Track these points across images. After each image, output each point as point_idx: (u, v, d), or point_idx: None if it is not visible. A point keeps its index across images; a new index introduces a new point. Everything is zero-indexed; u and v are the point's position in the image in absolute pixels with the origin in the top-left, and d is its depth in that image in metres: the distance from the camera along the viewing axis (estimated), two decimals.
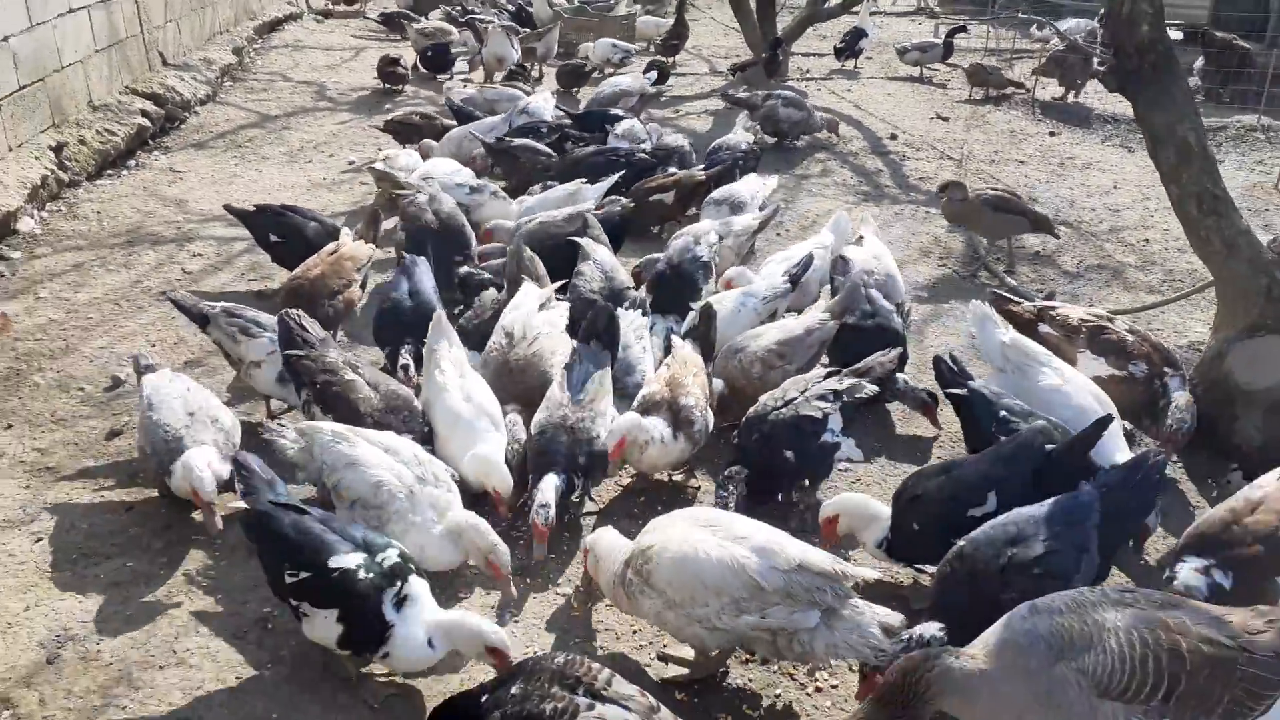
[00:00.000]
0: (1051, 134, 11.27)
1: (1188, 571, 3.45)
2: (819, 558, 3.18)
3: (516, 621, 3.69)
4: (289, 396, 4.65)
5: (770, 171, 9.35)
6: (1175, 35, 15.11)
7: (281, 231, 6.09)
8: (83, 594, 3.72)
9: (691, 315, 4.96)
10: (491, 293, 5.46)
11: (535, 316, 4.85)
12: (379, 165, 7.39)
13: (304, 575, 3.14)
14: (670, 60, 14.06)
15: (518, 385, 4.64)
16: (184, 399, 4.15)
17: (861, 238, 6.05)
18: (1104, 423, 3.94)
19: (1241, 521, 3.50)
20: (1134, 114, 5.10)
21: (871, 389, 4.36)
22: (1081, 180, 9.57)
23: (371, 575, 3.14)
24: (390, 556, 3.22)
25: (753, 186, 7.17)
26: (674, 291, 5.50)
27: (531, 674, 2.78)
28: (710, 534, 3.27)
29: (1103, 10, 15.75)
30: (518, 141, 7.96)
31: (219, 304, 4.85)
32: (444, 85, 11.74)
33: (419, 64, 12.53)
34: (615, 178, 6.96)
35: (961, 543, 3.38)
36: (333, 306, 5.24)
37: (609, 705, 2.68)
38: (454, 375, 4.39)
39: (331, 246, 5.59)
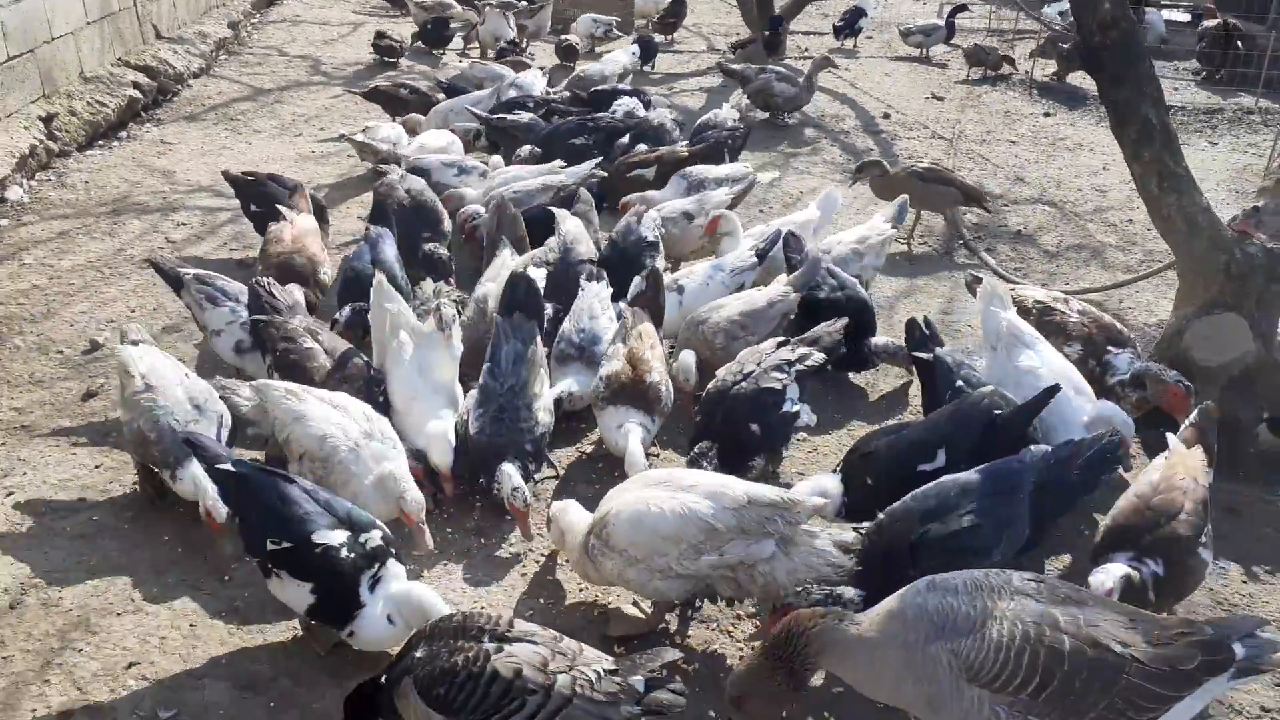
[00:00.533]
0: (1046, 115, 11.25)
1: (1101, 576, 3.27)
2: (766, 491, 3.31)
3: (476, 587, 3.79)
4: (246, 365, 4.71)
5: (761, 148, 9.42)
6: (1183, 18, 15.06)
7: (261, 201, 6.12)
8: (49, 545, 3.84)
9: (638, 280, 4.99)
10: (438, 285, 5.46)
11: None
12: (359, 137, 7.46)
13: (286, 545, 3.16)
14: (668, 37, 14.09)
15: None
16: (184, 386, 4.04)
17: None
18: (1051, 391, 4.01)
19: (1151, 505, 3.47)
20: (1098, 91, 5.13)
21: (820, 357, 4.44)
22: (1071, 161, 9.57)
23: (353, 555, 3.17)
24: (374, 538, 3.25)
25: (723, 165, 7.17)
26: (621, 274, 5.25)
27: (434, 635, 2.86)
28: (660, 489, 3.38)
29: None
30: (511, 116, 8.04)
31: (193, 270, 4.94)
32: (440, 61, 11.80)
33: (418, 38, 12.57)
34: (596, 162, 7.00)
35: (882, 515, 3.43)
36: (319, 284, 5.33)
37: (516, 644, 2.77)
38: (410, 347, 4.37)
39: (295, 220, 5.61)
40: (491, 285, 4.92)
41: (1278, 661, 2.69)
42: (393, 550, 3.30)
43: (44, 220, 6.81)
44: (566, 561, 3.81)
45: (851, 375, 5.41)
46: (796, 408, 4.37)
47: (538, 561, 3.93)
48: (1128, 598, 3.21)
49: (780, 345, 4.47)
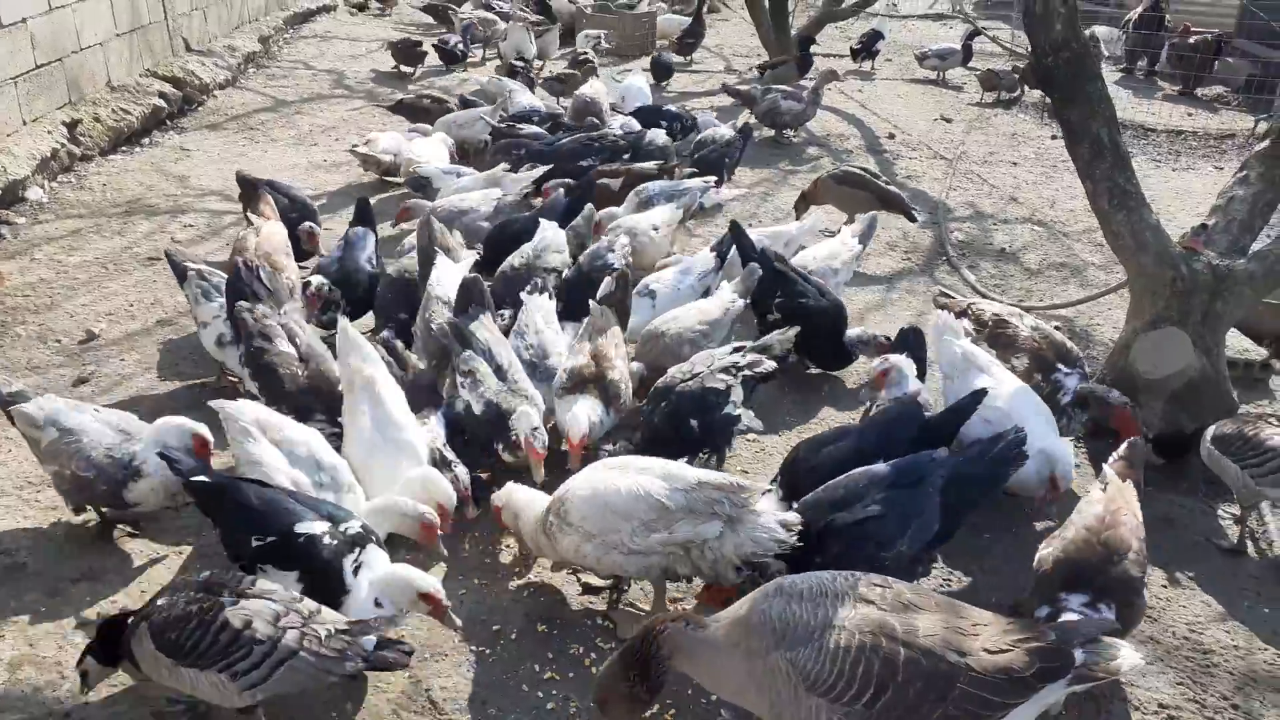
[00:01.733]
0: (1054, 137, 11.29)
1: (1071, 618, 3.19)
2: (715, 476, 3.50)
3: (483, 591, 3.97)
4: (227, 359, 4.87)
5: (762, 165, 9.60)
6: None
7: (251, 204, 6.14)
8: (24, 517, 4.10)
9: (608, 280, 5.16)
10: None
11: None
12: (360, 149, 7.76)
13: (270, 539, 3.30)
14: (686, 58, 14.35)
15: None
16: (97, 418, 3.94)
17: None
18: (979, 395, 4.14)
19: (1102, 540, 3.41)
20: (1052, 110, 5.25)
21: (770, 365, 4.55)
22: (1070, 183, 9.56)
23: (335, 542, 3.31)
24: (353, 526, 3.40)
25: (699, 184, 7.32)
26: (583, 298, 5.14)
27: (177, 588, 3.08)
28: (617, 473, 3.57)
29: (1128, 17, 15.77)
30: (524, 128, 8.39)
31: (198, 265, 5.18)
32: (461, 77, 12.16)
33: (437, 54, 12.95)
34: (541, 170, 7.22)
35: (795, 505, 3.57)
36: None
37: (253, 600, 2.99)
38: (363, 400, 4.11)
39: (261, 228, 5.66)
40: (442, 290, 5.03)
41: (1113, 670, 2.68)
42: (373, 537, 3.44)
43: (59, 219, 7.19)
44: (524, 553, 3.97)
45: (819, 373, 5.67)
46: (739, 411, 4.51)
47: (542, 564, 4.03)
48: None
49: (735, 350, 4.60)
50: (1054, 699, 2.80)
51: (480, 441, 4.34)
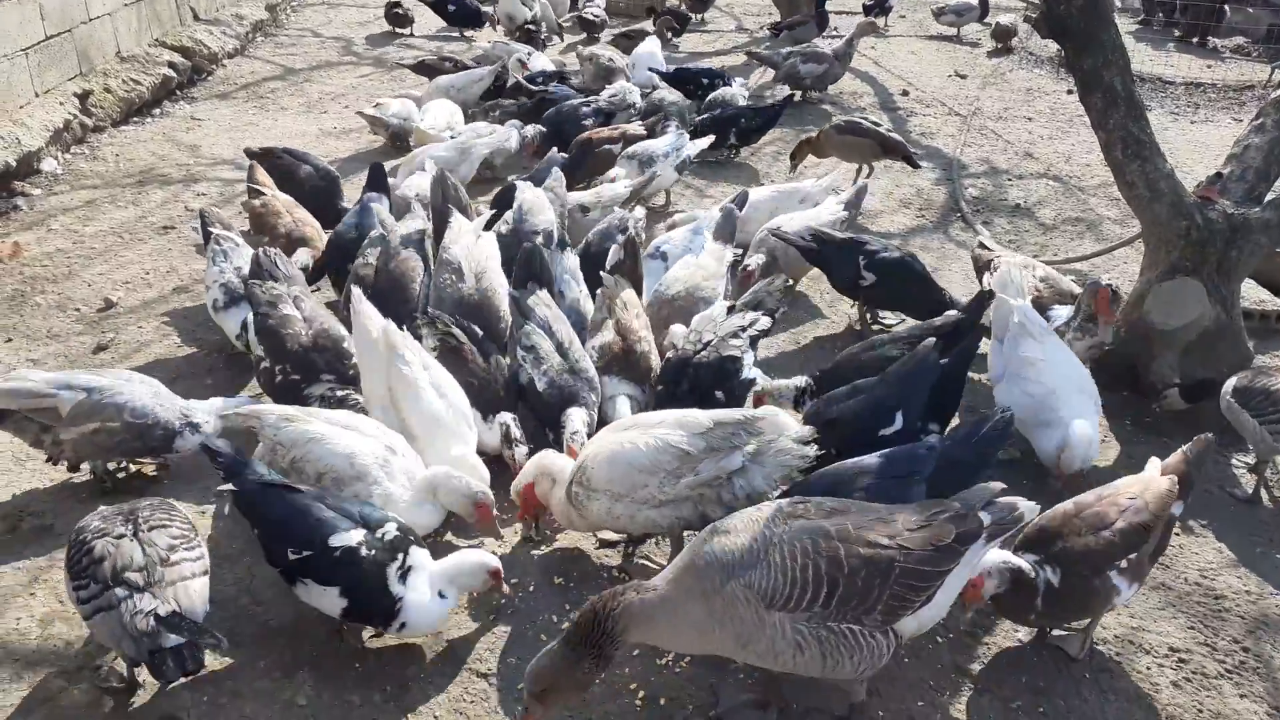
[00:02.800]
0: (1069, 92, 11.13)
1: (991, 557, 3.16)
2: (727, 413, 3.59)
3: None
4: (222, 323, 4.92)
5: (780, 125, 9.51)
6: None
7: (274, 173, 6.28)
8: (49, 479, 4.18)
9: (615, 248, 5.16)
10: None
11: (475, 249, 5.01)
12: (369, 110, 7.75)
13: (306, 554, 3.19)
14: (698, 16, 14.21)
15: (474, 321, 4.63)
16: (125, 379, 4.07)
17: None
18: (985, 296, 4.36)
19: (1081, 514, 3.33)
20: (1065, 59, 5.19)
21: (766, 321, 4.58)
22: (1085, 137, 9.46)
23: (374, 552, 3.19)
24: (389, 530, 3.28)
25: (670, 141, 7.18)
26: (593, 279, 5.10)
27: (107, 514, 3.22)
28: (631, 432, 3.62)
29: None
30: (555, 88, 8.58)
31: (220, 230, 5.23)
32: (471, 40, 12.08)
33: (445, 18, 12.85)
34: (509, 131, 7.36)
35: (782, 490, 3.54)
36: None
37: (132, 542, 3.08)
38: (419, 368, 4.07)
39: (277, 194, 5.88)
40: (456, 248, 5.00)
41: (1020, 518, 2.99)
42: (412, 537, 3.34)
43: (74, 190, 7.24)
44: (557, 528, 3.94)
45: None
46: (753, 373, 4.54)
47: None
48: (1012, 597, 3.22)
49: (730, 311, 4.59)
50: (978, 558, 3.01)
51: (541, 418, 4.33)
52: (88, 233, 6.54)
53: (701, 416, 3.58)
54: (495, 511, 3.67)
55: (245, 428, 3.90)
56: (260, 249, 4.88)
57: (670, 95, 8.72)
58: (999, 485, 3.07)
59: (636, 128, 7.60)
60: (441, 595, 3.29)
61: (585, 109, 8.02)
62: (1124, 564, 3.22)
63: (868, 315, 5.72)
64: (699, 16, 14.22)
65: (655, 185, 6.88)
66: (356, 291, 4.43)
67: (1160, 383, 4.85)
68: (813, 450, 3.54)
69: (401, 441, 3.81)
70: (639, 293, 5.08)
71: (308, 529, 3.21)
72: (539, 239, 5.23)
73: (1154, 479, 3.43)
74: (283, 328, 4.37)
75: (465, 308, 4.76)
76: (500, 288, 4.96)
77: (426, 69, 9.53)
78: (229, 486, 3.33)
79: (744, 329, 4.50)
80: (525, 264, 4.86)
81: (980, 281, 5.52)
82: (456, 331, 4.34)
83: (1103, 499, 3.37)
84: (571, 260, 5.25)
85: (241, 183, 7.41)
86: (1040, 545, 3.30)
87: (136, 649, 2.91)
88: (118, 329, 5.41)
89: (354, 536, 3.21)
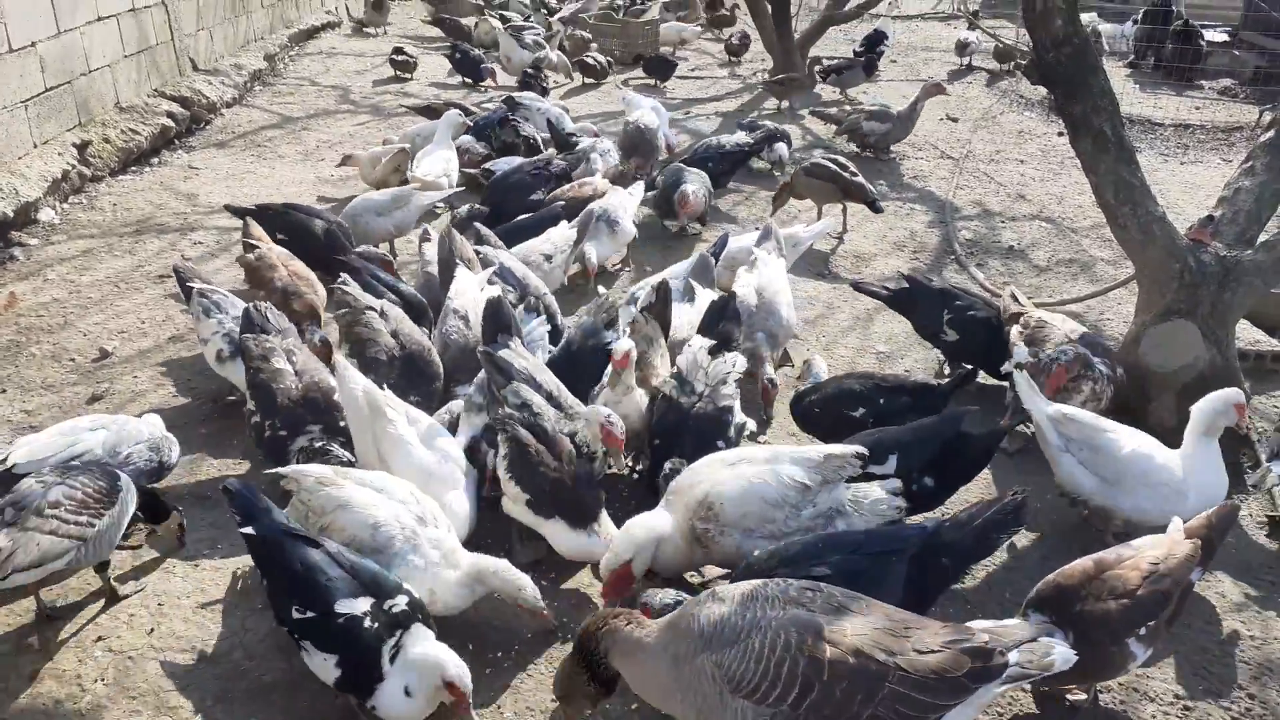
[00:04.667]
0: (1060, 134, 11.25)
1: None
2: (834, 448, 3.72)
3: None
4: (228, 374, 4.90)
5: (764, 170, 9.59)
6: (1220, 37, 14.98)
7: (287, 229, 6.21)
8: None
9: (647, 293, 5.18)
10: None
11: (480, 299, 5.05)
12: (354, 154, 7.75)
13: (310, 615, 3.10)
14: (737, 59, 15.11)
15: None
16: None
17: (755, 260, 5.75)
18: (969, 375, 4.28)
19: (1102, 575, 3.18)
20: (1055, 105, 5.26)
21: (743, 363, 4.68)
22: (1077, 179, 9.53)
23: (376, 625, 3.07)
24: (399, 603, 3.15)
25: (622, 199, 7.04)
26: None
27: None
28: (745, 466, 3.66)
29: (1138, 14, 15.83)
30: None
31: (201, 284, 5.23)
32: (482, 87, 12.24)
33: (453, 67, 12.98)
34: (438, 197, 7.26)
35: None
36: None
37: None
38: (404, 424, 4.04)
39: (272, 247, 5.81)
40: (464, 299, 5.08)
41: (1046, 666, 2.69)
42: (420, 615, 3.20)
43: (71, 239, 7.26)
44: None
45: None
46: (743, 419, 4.54)
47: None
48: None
49: (711, 353, 4.59)
50: (989, 699, 2.77)
51: None
52: (84, 282, 6.55)
53: (810, 451, 3.70)
54: (543, 611, 3.54)
55: (285, 489, 3.74)
56: (251, 303, 4.80)
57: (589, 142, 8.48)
58: (1045, 624, 2.88)
59: (603, 183, 7.42)
60: (407, 692, 3.07)
61: (530, 177, 7.42)
62: (1143, 630, 3.11)
63: (944, 366, 5.70)
64: (738, 59, 14.75)
65: (620, 240, 6.82)
66: (338, 357, 4.46)
67: (1159, 425, 4.84)
68: (903, 503, 3.66)
69: (432, 508, 3.68)
70: (666, 335, 5.03)
71: (316, 589, 3.11)
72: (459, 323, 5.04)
73: (1177, 543, 3.31)
74: (274, 382, 4.31)
75: (469, 354, 4.81)
76: None
77: (431, 113, 9.62)
78: (248, 530, 3.23)
79: (729, 375, 4.52)
80: (492, 317, 4.67)
81: (1008, 334, 5.27)
82: (523, 433, 3.92)
83: (1124, 561, 3.23)
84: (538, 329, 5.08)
85: (237, 230, 7.43)
86: (1057, 606, 3.14)
87: None
88: (113, 379, 5.40)
89: (360, 605, 3.09)
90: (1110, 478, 4.03)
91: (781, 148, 9.27)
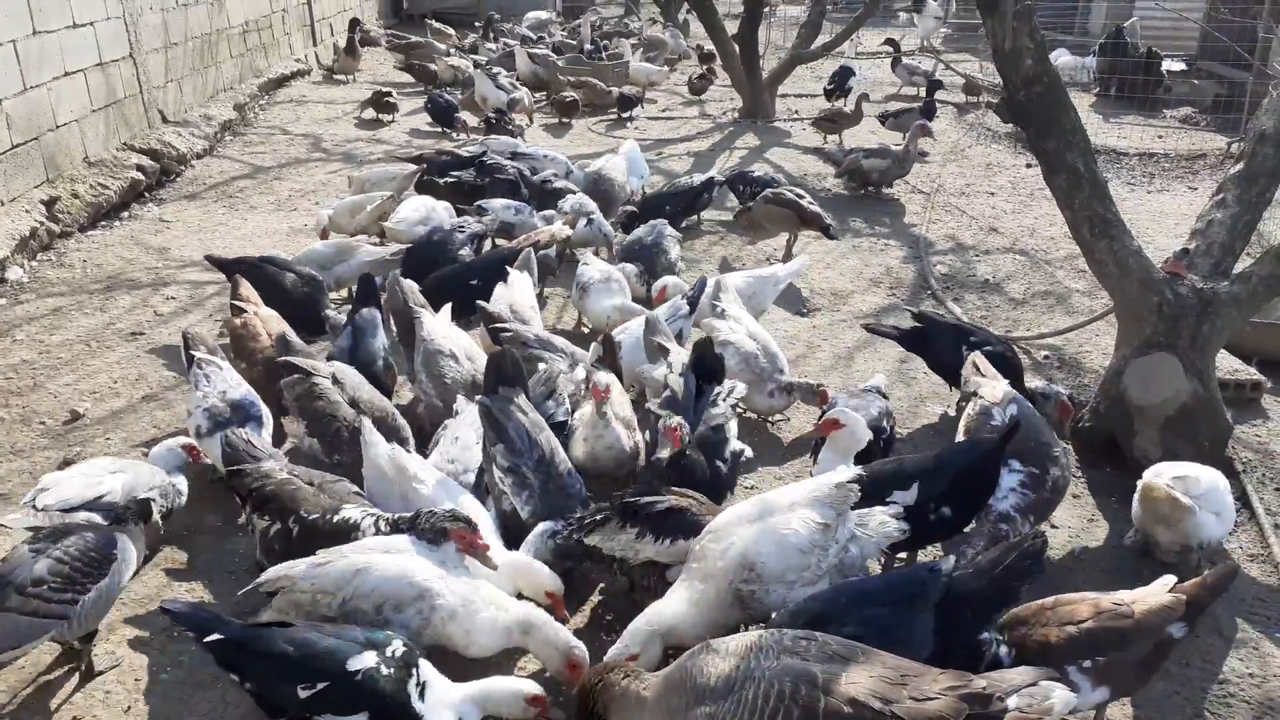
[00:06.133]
0: (1028, 166, 11.42)
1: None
2: (838, 477, 3.66)
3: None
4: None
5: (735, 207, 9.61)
6: (1178, 67, 15.31)
7: (259, 284, 5.95)
8: None
9: (595, 348, 5.18)
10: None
11: (454, 335, 5.07)
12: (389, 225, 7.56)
13: (323, 686, 2.99)
14: (699, 96, 15.35)
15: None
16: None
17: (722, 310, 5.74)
18: (1012, 428, 4.10)
19: (1056, 609, 3.24)
20: (1028, 142, 5.30)
21: (742, 389, 4.72)
22: (1048, 210, 9.67)
23: (392, 670, 3.03)
24: (397, 647, 3.10)
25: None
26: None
27: None
28: (771, 518, 3.58)
29: (1095, 46, 16.17)
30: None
31: (201, 354, 4.97)
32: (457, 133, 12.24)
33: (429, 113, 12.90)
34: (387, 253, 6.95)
35: (774, 615, 3.32)
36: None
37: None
38: (433, 484, 4.06)
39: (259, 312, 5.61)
40: (441, 339, 5.04)
41: (1046, 710, 2.66)
42: (419, 651, 3.18)
43: (40, 298, 7.14)
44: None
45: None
46: (741, 445, 4.53)
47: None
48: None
49: (703, 380, 4.67)
50: None
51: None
52: (54, 342, 6.42)
53: (820, 485, 3.64)
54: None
55: (275, 589, 3.52)
56: (229, 431, 4.44)
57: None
58: (1046, 670, 2.83)
59: (562, 229, 7.35)
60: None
61: (457, 237, 6.94)
62: (1087, 664, 3.09)
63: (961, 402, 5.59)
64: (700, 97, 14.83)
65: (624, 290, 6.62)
66: (366, 422, 4.30)
67: (1144, 458, 4.84)
68: (905, 524, 3.63)
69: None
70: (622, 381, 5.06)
71: (319, 659, 3.01)
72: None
73: (1153, 592, 3.29)
74: (285, 488, 3.98)
75: (476, 388, 4.73)
76: None
77: (425, 162, 9.50)
78: (212, 638, 3.07)
79: (721, 398, 4.57)
80: (496, 368, 4.48)
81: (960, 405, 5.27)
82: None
83: (1086, 600, 3.25)
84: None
85: (211, 284, 7.39)
86: (1006, 628, 3.24)
87: None
88: (84, 441, 5.27)
89: (369, 658, 3.02)
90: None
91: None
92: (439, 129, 12.55)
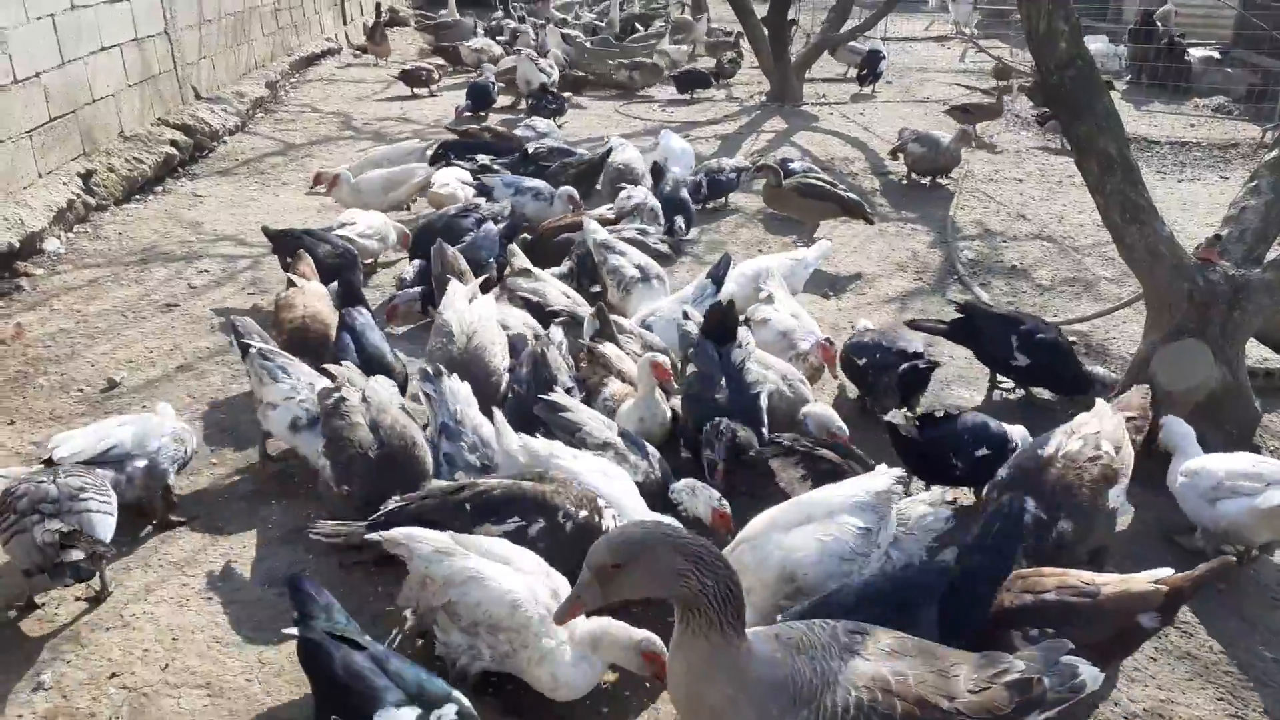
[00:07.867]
0: (1057, 152, 11.35)
1: None
2: (880, 481, 3.67)
3: None
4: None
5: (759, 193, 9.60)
6: (1213, 54, 15.11)
7: (293, 253, 6.14)
8: None
9: (590, 320, 5.26)
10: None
11: (468, 312, 5.12)
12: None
13: None
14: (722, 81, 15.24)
15: (462, 376, 4.59)
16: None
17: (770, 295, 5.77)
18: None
19: (1025, 578, 3.27)
20: (1060, 126, 5.29)
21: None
22: (1077, 197, 9.63)
23: None
24: (447, 713, 2.92)
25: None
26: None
27: None
28: (810, 525, 3.55)
29: (1126, 33, 15.99)
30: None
31: (259, 345, 4.85)
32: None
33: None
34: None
35: (780, 618, 3.23)
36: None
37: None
38: (570, 456, 4.04)
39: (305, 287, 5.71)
40: (450, 313, 5.11)
41: (1079, 688, 2.69)
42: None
43: (77, 269, 7.26)
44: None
45: None
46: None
47: None
48: None
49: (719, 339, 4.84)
50: None
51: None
52: (90, 312, 6.54)
53: (859, 491, 3.61)
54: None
55: (395, 554, 3.48)
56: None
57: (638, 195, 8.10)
58: (1066, 644, 2.84)
59: (605, 213, 7.55)
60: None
61: (466, 221, 6.98)
62: (1034, 632, 3.09)
63: (997, 380, 5.72)
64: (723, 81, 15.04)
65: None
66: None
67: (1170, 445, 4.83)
68: (950, 513, 3.66)
69: (564, 584, 3.38)
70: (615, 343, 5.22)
71: (355, 696, 2.93)
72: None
73: (1133, 579, 3.25)
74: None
75: (454, 366, 4.75)
76: (491, 344, 5.04)
77: (468, 137, 9.73)
78: (293, 631, 3.12)
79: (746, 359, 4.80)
80: (536, 367, 4.77)
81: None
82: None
83: (1057, 574, 3.26)
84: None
85: (244, 259, 7.50)
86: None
87: (43, 559, 3.52)
88: (121, 409, 5.37)
89: (404, 715, 2.87)
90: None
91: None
92: (472, 111, 12.51)
